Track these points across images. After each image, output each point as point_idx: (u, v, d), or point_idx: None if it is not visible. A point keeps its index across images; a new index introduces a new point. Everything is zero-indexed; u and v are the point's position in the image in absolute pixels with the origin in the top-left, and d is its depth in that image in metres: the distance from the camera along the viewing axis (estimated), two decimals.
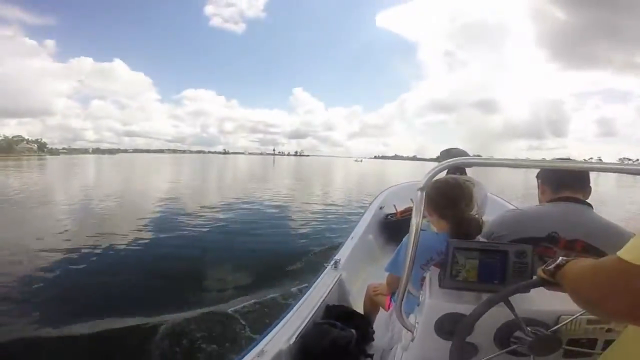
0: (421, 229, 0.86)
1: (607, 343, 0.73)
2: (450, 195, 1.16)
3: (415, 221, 0.84)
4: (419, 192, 0.82)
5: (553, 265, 0.62)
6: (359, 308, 1.91)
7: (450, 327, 0.81)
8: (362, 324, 1.68)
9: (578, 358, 0.78)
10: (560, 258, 0.61)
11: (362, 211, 3.83)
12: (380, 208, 3.79)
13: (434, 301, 0.85)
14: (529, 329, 0.73)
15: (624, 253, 0.42)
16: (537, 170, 1.31)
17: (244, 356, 1.25)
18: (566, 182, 1.19)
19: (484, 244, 0.90)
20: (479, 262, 0.84)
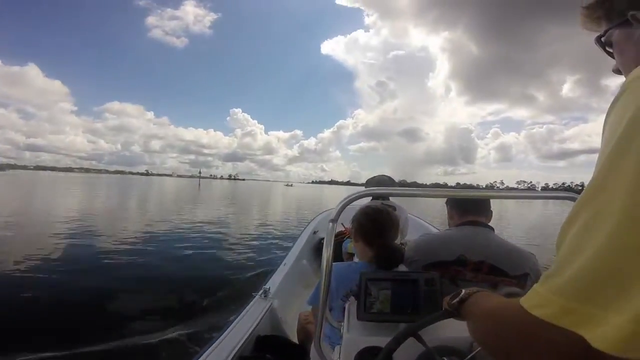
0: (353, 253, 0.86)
1: None
2: (380, 224, 1.19)
3: (326, 254, 0.82)
4: (330, 224, 0.82)
5: (457, 300, 0.59)
6: (295, 336, 1.83)
7: None
8: (296, 355, 1.62)
9: None
10: (463, 291, 0.59)
11: (295, 237, 3.78)
12: (314, 232, 3.78)
13: (352, 335, 0.84)
14: (444, 358, 0.72)
15: (525, 300, 0.36)
16: None
17: None
18: (470, 207, 1.31)
19: (395, 274, 0.93)
20: (391, 292, 0.84)
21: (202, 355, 1.37)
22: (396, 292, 0.84)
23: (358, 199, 0.86)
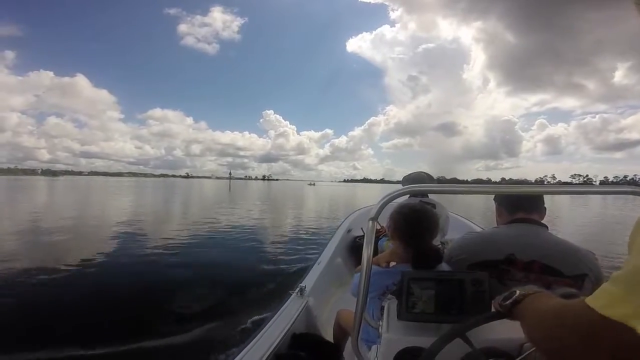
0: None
1: None
2: (419, 223, 1.15)
3: (366, 253, 0.81)
4: (370, 223, 0.80)
5: (510, 301, 0.58)
6: (328, 335, 1.82)
7: None
8: (330, 353, 1.61)
9: None
10: (518, 292, 0.57)
11: (329, 235, 3.78)
12: (348, 231, 3.77)
13: (391, 335, 0.82)
14: None
15: (592, 299, 0.36)
16: None
17: None
18: (521, 203, 1.22)
19: (440, 274, 0.90)
20: (435, 292, 0.82)
21: (241, 352, 1.40)
22: (440, 292, 0.82)
23: (398, 197, 0.83)
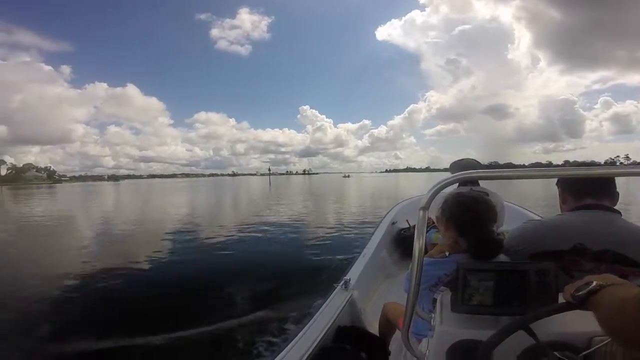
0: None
1: None
2: (476, 212, 1.08)
3: (418, 245, 0.77)
4: (421, 212, 0.76)
5: (585, 292, 0.54)
6: (373, 328, 1.80)
7: (464, 354, 0.73)
8: (375, 346, 1.58)
9: None
10: (595, 282, 0.54)
11: (373, 227, 3.73)
12: (393, 223, 3.66)
13: (445, 328, 0.79)
14: (555, 354, 0.65)
15: None
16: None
17: None
18: (589, 188, 1.10)
19: (500, 265, 0.84)
20: (494, 283, 0.77)
21: (287, 344, 1.43)
22: (500, 284, 0.77)
23: (451, 184, 0.78)
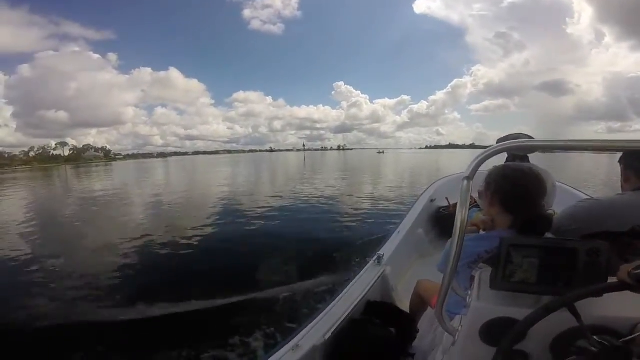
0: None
1: None
2: (527, 189, 1.00)
3: (460, 216, 0.74)
4: (465, 182, 0.72)
5: None
6: (403, 305, 1.80)
7: (498, 332, 0.71)
8: (404, 322, 1.59)
9: None
10: None
11: (410, 204, 3.63)
12: (432, 201, 3.50)
13: (481, 304, 0.76)
14: (595, 337, 0.63)
15: None
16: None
17: (279, 349, 1.26)
18: None
19: (547, 241, 0.77)
20: (539, 261, 0.72)
21: (318, 315, 1.48)
22: (546, 261, 0.72)
23: (497, 153, 0.73)
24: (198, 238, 6.33)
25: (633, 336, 0.62)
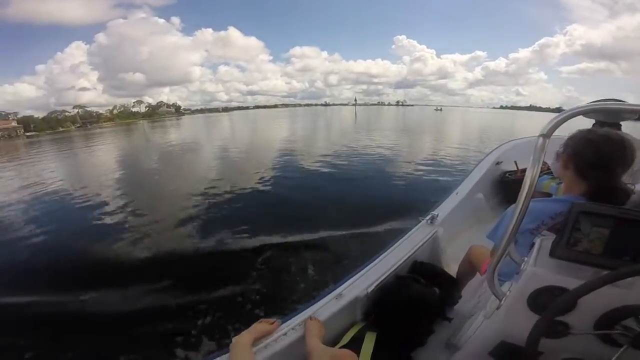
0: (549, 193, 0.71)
1: None
2: (608, 155, 0.88)
3: (531, 172, 0.68)
4: (540, 139, 0.67)
5: None
6: (451, 269, 1.77)
7: (547, 300, 0.68)
8: (449, 286, 1.57)
9: None
10: None
11: (472, 165, 3.31)
12: (497, 164, 3.15)
13: (537, 270, 0.73)
14: None
15: None
16: None
17: (324, 296, 1.33)
18: None
19: (623, 211, 0.68)
20: (610, 232, 0.66)
21: (365, 267, 1.52)
22: (617, 233, 0.65)
23: (585, 113, 0.67)
24: (260, 184, 7.07)
25: None
